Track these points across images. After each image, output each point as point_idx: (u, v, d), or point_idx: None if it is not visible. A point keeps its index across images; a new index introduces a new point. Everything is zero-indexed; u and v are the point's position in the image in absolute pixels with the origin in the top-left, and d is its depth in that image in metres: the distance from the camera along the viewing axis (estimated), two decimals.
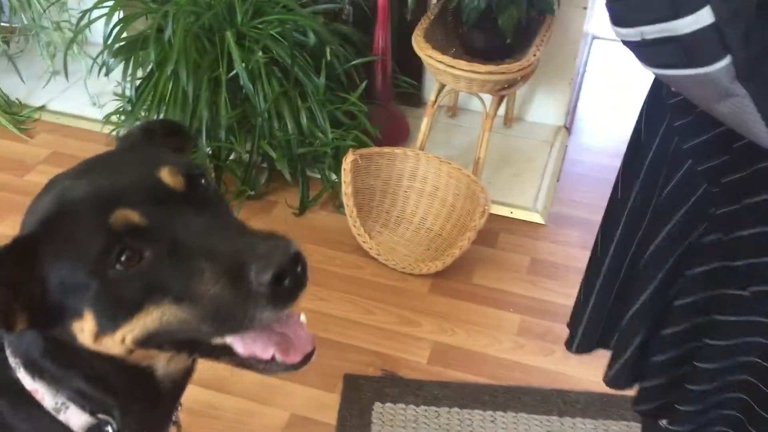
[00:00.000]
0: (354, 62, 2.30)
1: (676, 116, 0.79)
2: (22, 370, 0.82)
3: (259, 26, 2.17)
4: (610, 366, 1.02)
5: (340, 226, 2.21)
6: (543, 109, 2.66)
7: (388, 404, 1.73)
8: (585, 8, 2.45)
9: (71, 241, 0.71)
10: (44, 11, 2.56)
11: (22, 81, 2.72)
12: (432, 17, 2.25)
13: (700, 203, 0.78)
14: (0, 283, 0.70)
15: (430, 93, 2.35)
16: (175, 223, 0.71)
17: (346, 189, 2.08)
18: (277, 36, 2.16)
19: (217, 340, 0.76)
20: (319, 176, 2.32)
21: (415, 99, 2.66)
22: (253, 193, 2.28)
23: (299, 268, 0.69)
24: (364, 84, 2.29)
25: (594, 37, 3.18)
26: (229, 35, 2.10)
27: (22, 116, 2.60)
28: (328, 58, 2.18)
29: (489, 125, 2.25)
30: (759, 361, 0.77)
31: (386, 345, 1.89)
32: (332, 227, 2.25)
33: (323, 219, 2.28)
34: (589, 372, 1.83)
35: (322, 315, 1.96)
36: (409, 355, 1.87)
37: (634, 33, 0.65)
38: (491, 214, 2.25)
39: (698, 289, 0.80)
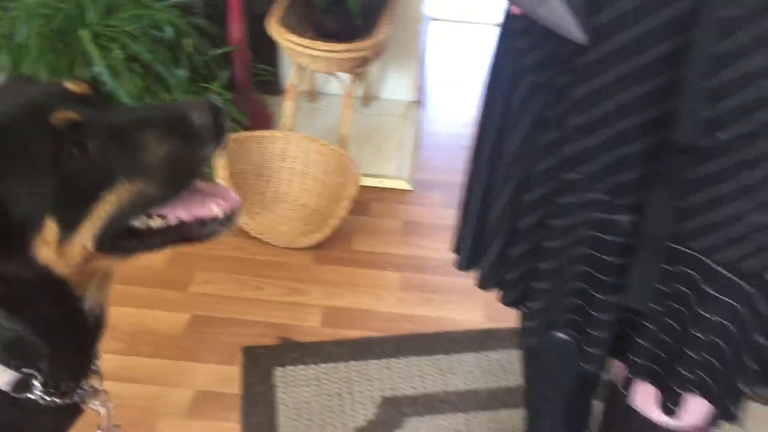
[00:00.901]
0: (212, 53, 2.36)
1: (520, 39, 0.97)
2: None
3: (113, 24, 2.19)
4: (480, 268, 1.18)
5: None
6: (395, 86, 2.84)
7: (289, 367, 1.83)
8: None
9: (20, 152, 0.75)
10: None
11: None
12: (285, 5, 2.35)
13: (541, 109, 0.95)
14: None
15: (286, 80, 2.45)
16: (103, 115, 0.79)
17: (223, 173, 2.15)
18: (133, 33, 2.19)
19: (158, 223, 0.84)
20: None
21: (273, 87, 2.75)
22: None
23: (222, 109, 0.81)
24: (226, 73, 2.35)
25: (431, 19, 3.40)
26: (85, 34, 2.10)
27: None
28: (188, 49, 2.23)
29: (349, 102, 2.39)
30: (596, 233, 0.95)
31: (279, 315, 1.98)
32: None
33: None
34: (466, 314, 2.02)
35: (211, 296, 2.02)
36: (302, 322, 1.97)
37: None
38: (362, 187, 2.40)
39: (543, 181, 0.97)
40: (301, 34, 2.28)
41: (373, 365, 1.85)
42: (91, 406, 0.99)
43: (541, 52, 0.94)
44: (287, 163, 2.34)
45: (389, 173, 2.50)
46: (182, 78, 2.26)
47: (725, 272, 0.89)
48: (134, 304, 1.97)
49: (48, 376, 0.89)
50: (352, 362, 1.85)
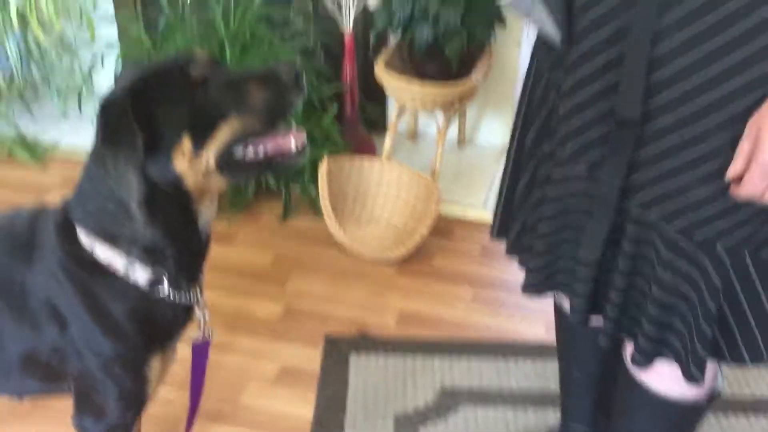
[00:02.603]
0: (326, 90, 2.73)
1: (541, 47, 1.21)
2: (97, 245, 1.17)
3: (247, 62, 2.59)
4: (508, 236, 1.39)
5: (319, 227, 2.58)
6: (490, 131, 3.10)
7: (363, 355, 2.07)
8: (519, 44, 2.92)
9: (170, 89, 1.11)
10: (61, 60, 2.98)
11: (36, 122, 3.10)
12: (391, 51, 2.69)
13: (552, 101, 1.18)
14: (126, 111, 1.06)
15: (392, 118, 2.78)
16: (222, 71, 1.14)
17: (323, 191, 2.46)
18: None
19: (250, 156, 1.15)
20: (299, 189, 2.70)
21: (380, 125, 3.08)
22: (242, 204, 2.65)
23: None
24: (335, 106, 2.71)
25: None
26: None
27: (38, 151, 2.97)
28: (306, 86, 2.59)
29: (442, 139, 2.67)
30: (580, 202, 1.15)
31: (359, 314, 2.24)
32: (312, 228, 2.62)
33: (304, 223, 2.66)
34: (529, 327, 2.20)
35: (304, 293, 2.32)
36: (380, 320, 2.22)
37: None
38: (448, 215, 2.66)
39: (547, 160, 1.19)
40: (402, 76, 2.60)
41: (437, 361, 2.06)
42: (196, 310, 1.29)
43: (552, 56, 1.18)
44: (382, 187, 2.63)
45: (475, 204, 2.74)
46: (299, 110, 2.62)
47: (681, 239, 1.07)
48: (239, 293, 2.30)
49: (172, 277, 1.21)
50: (419, 357, 2.07)
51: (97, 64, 2.80)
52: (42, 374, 1.24)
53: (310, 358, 2.07)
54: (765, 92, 0.97)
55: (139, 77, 1.12)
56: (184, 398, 1.70)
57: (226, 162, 1.14)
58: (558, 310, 1.53)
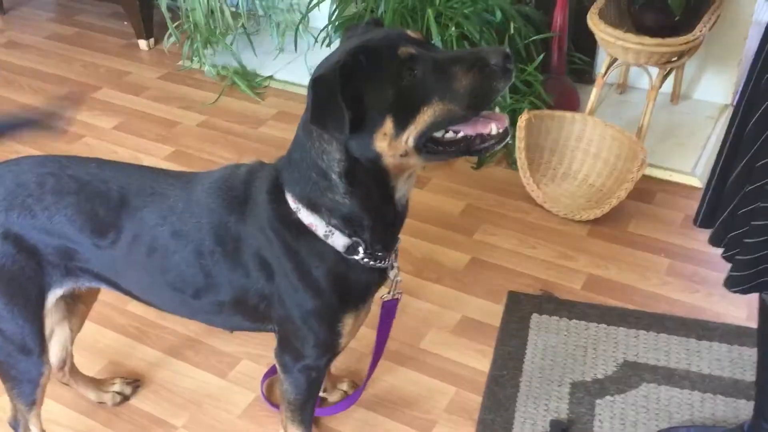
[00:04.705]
0: (533, 38, 2.64)
1: None
2: (302, 210, 1.24)
3: (454, 6, 2.58)
4: (714, 228, 1.30)
5: (512, 179, 2.56)
6: (710, 87, 2.85)
7: (544, 315, 2.06)
8: None
9: (377, 67, 1.11)
10: None
11: (255, 55, 3.32)
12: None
13: None
14: (335, 89, 1.08)
15: (600, 71, 2.64)
16: (429, 53, 1.13)
17: (520, 143, 2.42)
18: (468, 14, 2.56)
19: (450, 138, 1.15)
20: None
21: (587, 77, 2.94)
22: None
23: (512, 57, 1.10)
24: (540, 56, 2.62)
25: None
26: (430, 12, 2.52)
27: (256, 83, 3.19)
28: (511, 32, 2.53)
29: (654, 95, 2.50)
30: None
31: (545, 273, 2.22)
32: (505, 179, 2.60)
33: (498, 173, 2.64)
34: (728, 309, 2.05)
35: (491, 246, 2.33)
36: (566, 282, 2.18)
37: None
38: (651, 177, 2.52)
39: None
40: (617, 27, 2.45)
41: (622, 332, 2.00)
42: (389, 274, 1.35)
43: None
44: (583, 144, 2.53)
45: (683, 169, 2.56)
46: None
47: None
48: (428, 239, 2.36)
49: (368, 244, 1.27)
50: (603, 325, 2.02)
51: (314, 3, 2.92)
52: (249, 314, 1.37)
53: (491, 312, 2.09)
54: None
55: (350, 54, 1.12)
56: (369, 337, 1.80)
57: (425, 144, 1.15)
58: (764, 303, 1.42)
